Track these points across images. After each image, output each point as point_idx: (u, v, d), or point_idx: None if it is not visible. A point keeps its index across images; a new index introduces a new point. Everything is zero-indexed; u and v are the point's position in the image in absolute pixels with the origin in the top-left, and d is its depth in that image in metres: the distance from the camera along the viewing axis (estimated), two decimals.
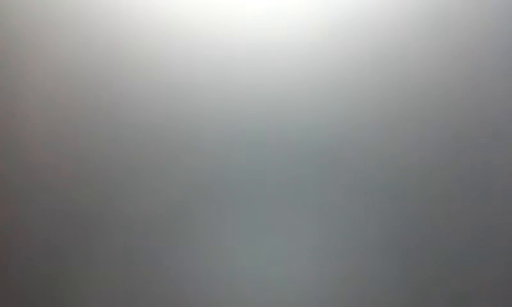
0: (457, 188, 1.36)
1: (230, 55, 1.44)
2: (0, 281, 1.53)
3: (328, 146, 1.40)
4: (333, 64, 1.41)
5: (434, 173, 1.37)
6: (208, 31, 1.45)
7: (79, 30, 1.50)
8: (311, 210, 1.41)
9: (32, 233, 1.51)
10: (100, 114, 1.49)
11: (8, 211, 1.52)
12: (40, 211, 1.51)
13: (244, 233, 1.43)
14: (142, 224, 1.47)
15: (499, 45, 1.35)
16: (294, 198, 1.41)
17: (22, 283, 1.52)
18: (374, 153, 1.39)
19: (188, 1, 1.46)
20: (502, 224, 1.35)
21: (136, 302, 1.47)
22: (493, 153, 1.35)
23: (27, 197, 1.51)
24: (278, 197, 1.42)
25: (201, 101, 1.45)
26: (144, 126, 1.47)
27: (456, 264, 1.36)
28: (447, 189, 1.37)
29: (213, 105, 1.44)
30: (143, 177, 1.47)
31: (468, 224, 1.36)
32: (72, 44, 1.50)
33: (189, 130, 1.45)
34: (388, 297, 1.39)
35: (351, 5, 1.40)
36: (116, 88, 1.48)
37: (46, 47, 1.51)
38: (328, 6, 1.41)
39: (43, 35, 1.51)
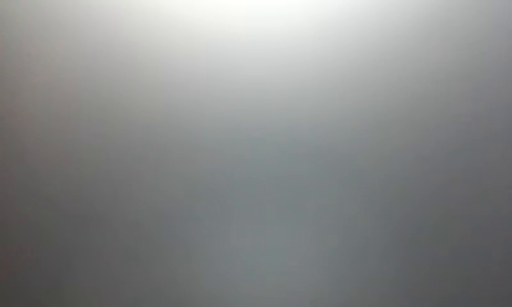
0: (457, 188, 1.36)
1: (230, 54, 1.44)
2: (1, 281, 1.53)
3: (329, 145, 1.40)
4: (332, 63, 1.41)
5: (433, 173, 1.37)
6: (209, 30, 1.45)
7: (80, 29, 1.50)
8: (311, 208, 1.41)
9: (33, 232, 1.51)
10: (101, 114, 1.49)
11: (8, 211, 1.52)
12: (40, 211, 1.51)
13: (246, 232, 1.43)
14: (144, 224, 1.47)
15: (499, 44, 1.35)
16: (295, 197, 1.41)
17: (23, 282, 1.52)
18: (374, 152, 1.39)
19: (189, 1, 1.46)
20: (501, 224, 1.35)
21: (139, 302, 1.47)
22: (493, 153, 1.35)
23: (28, 196, 1.51)
24: (278, 196, 1.42)
25: (203, 100, 1.45)
26: (146, 126, 1.47)
27: (455, 264, 1.37)
28: (446, 189, 1.37)
29: (214, 104, 1.44)
30: (145, 176, 1.47)
31: (467, 224, 1.36)
32: (73, 43, 1.50)
33: (191, 129, 1.45)
34: (386, 297, 1.39)
35: (350, 5, 1.40)
36: (117, 87, 1.48)
37: (47, 46, 1.51)
38: (327, 6, 1.41)
39: (43, 34, 1.51)
